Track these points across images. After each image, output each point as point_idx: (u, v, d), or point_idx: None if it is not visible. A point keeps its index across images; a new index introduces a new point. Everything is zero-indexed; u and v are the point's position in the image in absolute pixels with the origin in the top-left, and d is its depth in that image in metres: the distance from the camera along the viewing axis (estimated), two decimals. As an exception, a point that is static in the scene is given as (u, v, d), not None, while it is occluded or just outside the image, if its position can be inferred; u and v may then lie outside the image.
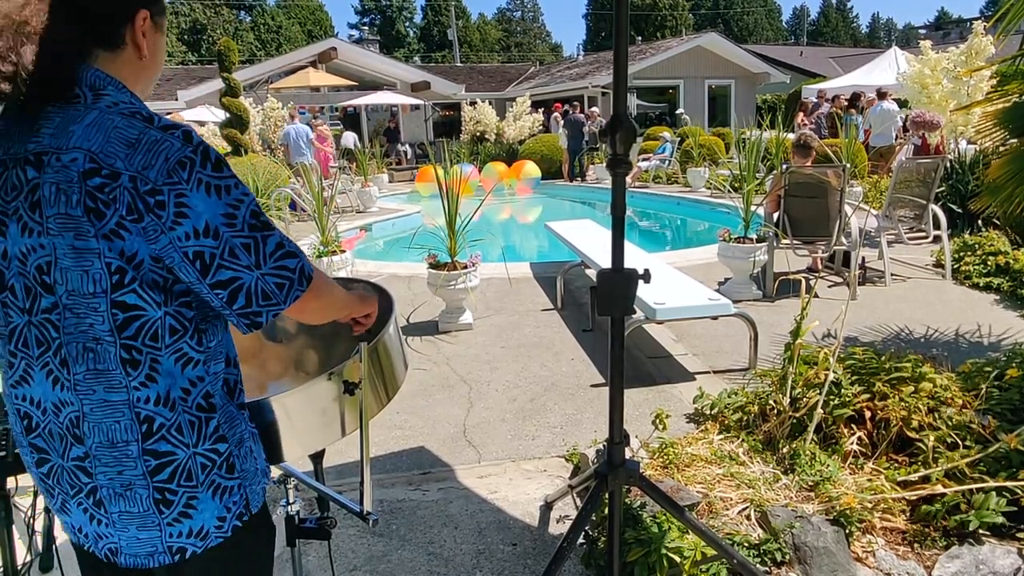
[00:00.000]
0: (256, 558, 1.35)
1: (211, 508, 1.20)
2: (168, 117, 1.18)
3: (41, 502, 2.07)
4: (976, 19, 9.38)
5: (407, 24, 63.88)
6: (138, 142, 1.07)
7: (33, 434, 1.18)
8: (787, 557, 2.37)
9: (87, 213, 1.05)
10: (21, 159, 1.10)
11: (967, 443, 2.74)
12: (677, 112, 20.31)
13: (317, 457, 1.78)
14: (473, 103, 20.53)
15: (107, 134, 1.07)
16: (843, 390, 3.02)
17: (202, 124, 16.46)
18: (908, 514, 2.60)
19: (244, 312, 1.15)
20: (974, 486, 2.51)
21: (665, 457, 2.98)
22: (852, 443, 2.90)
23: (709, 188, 12.96)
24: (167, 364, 1.14)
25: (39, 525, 2.17)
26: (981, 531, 2.42)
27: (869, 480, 2.72)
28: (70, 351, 1.11)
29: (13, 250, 1.12)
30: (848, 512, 2.50)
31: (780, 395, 3.14)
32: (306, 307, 1.22)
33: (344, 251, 5.91)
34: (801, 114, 15.88)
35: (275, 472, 1.66)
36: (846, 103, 15.48)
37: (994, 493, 2.46)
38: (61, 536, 2.28)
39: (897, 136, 12.29)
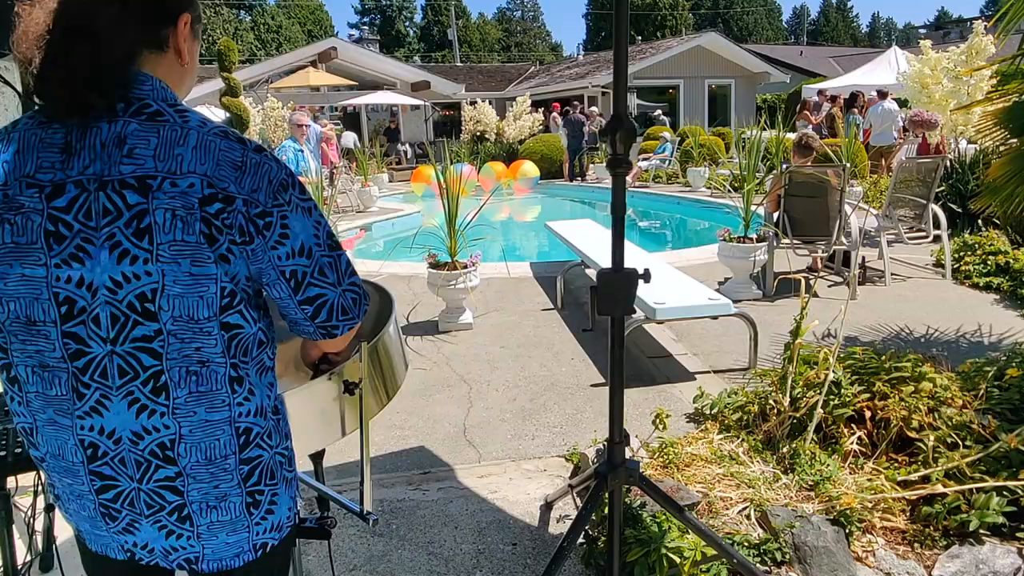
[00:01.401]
0: (295, 542, 1.41)
1: (286, 501, 1.25)
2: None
3: (41, 502, 2.07)
4: (976, 19, 9.38)
5: (407, 24, 63.88)
6: (244, 165, 1.08)
7: (98, 463, 1.12)
8: (787, 557, 2.37)
9: (204, 238, 1.05)
10: (114, 182, 1.04)
11: (967, 443, 2.74)
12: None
13: (317, 457, 1.78)
14: (473, 103, 20.54)
15: (216, 158, 1.06)
16: (843, 390, 3.02)
17: None
18: (908, 514, 2.60)
19: (324, 325, 1.21)
20: (974, 486, 2.51)
21: (665, 457, 2.98)
22: (852, 443, 2.90)
23: (709, 188, 12.97)
24: (253, 376, 1.17)
25: (39, 525, 2.17)
26: (981, 531, 2.42)
27: (869, 480, 2.72)
28: (171, 376, 1.09)
29: (100, 279, 1.05)
30: (848, 512, 2.50)
31: (780, 395, 3.14)
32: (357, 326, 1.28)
33: (344, 251, 5.91)
34: (807, 112, 15.85)
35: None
36: (844, 103, 15.47)
37: (994, 493, 2.46)
38: (61, 536, 2.28)
39: (897, 136, 12.29)
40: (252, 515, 1.19)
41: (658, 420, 2.76)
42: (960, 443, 2.74)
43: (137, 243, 1.04)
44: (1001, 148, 4.38)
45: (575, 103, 20.02)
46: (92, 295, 1.06)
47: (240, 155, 1.08)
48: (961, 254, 6.36)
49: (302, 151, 7.12)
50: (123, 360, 1.08)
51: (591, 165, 16.80)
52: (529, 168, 15.86)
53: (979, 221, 7.16)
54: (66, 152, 1.06)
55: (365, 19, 63.84)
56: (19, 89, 2.03)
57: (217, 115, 15.73)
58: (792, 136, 7.69)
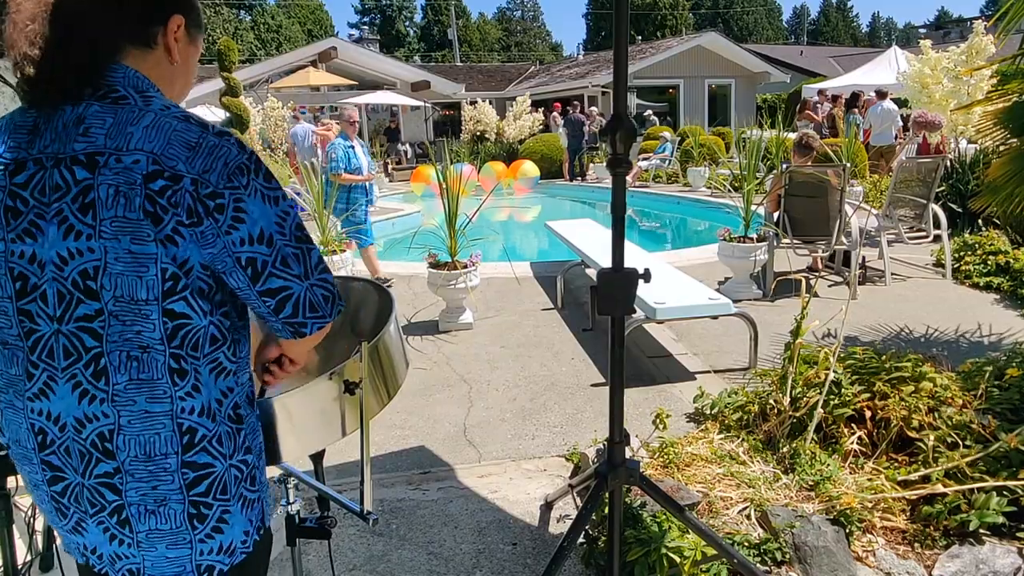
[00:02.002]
0: (264, 572, 1.32)
1: (240, 523, 1.18)
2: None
3: (41, 502, 2.06)
4: (976, 18, 9.38)
5: (407, 24, 63.87)
6: (199, 145, 1.06)
7: (47, 451, 1.11)
8: (787, 557, 2.37)
9: (146, 216, 1.03)
10: (67, 159, 1.06)
11: (967, 442, 2.74)
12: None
13: (317, 457, 1.78)
14: (473, 103, 20.54)
15: (168, 136, 1.06)
16: (843, 390, 3.02)
17: None
18: (908, 513, 2.60)
19: (290, 321, 1.15)
20: (974, 486, 2.51)
21: (665, 456, 2.98)
22: (852, 443, 2.90)
23: (709, 188, 12.97)
24: (204, 374, 1.12)
25: (39, 525, 2.17)
26: (981, 531, 2.42)
27: (869, 479, 2.72)
28: (111, 360, 1.07)
29: (48, 254, 1.06)
30: (848, 512, 2.50)
31: (780, 395, 3.14)
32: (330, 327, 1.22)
33: (344, 251, 5.91)
34: (808, 111, 15.83)
35: (275, 472, 1.66)
36: (846, 102, 15.46)
37: (994, 493, 2.47)
38: (61, 536, 2.28)
39: (897, 136, 12.30)
40: (195, 529, 1.13)
41: (658, 420, 2.76)
42: (960, 443, 2.74)
43: (81, 218, 1.05)
44: (1001, 148, 4.38)
45: (575, 103, 20.02)
46: (41, 271, 1.07)
47: (196, 136, 1.07)
48: (961, 254, 6.36)
49: (353, 147, 6.64)
50: (68, 340, 1.08)
51: (591, 165, 16.79)
52: (529, 168, 15.86)
53: (979, 221, 7.17)
54: (32, 133, 1.10)
55: (365, 19, 63.85)
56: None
57: (217, 115, 15.73)
58: (792, 136, 7.70)
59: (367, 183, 6.80)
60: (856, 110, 14.51)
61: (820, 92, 17.55)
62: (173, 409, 1.10)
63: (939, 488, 2.55)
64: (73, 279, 1.06)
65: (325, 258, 5.72)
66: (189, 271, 1.07)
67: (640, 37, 41.72)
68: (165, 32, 1.16)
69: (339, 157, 6.50)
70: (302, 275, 1.13)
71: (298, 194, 8.31)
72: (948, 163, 7.75)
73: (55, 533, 2.25)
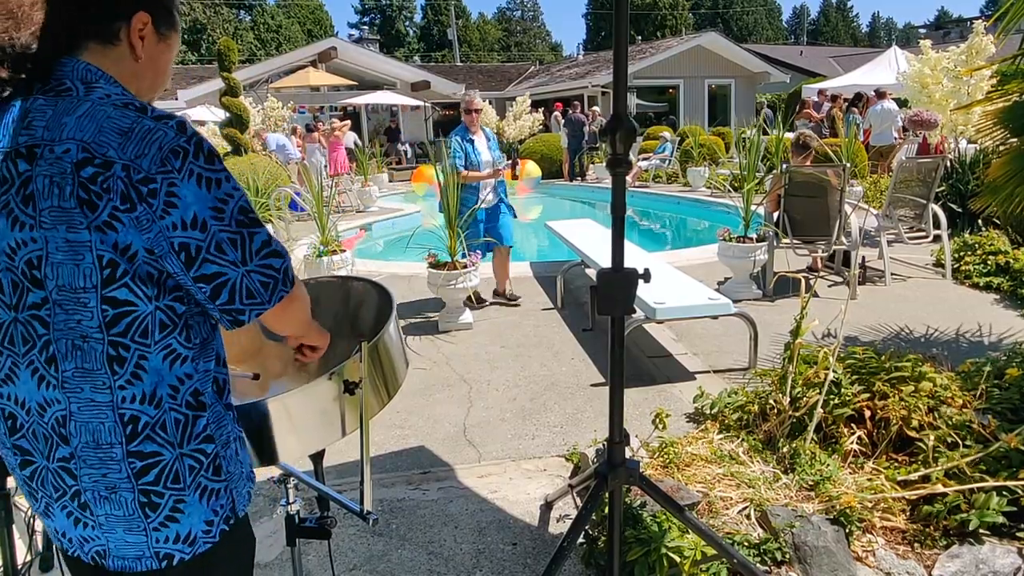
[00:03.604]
0: (241, 565, 1.31)
1: (200, 512, 1.17)
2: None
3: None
4: (976, 18, 9.38)
5: (407, 24, 63.87)
6: (131, 131, 1.06)
7: (17, 435, 1.15)
8: (787, 556, 2.37)
9: (80, 205, 1.04)
10: (11, 152, 1.09)
11: (967, 442, 2.74)
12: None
13: (317, 457, 1.78)
14: (473, 102, 20.50)
15: (99, 124, 1.06)
16: (843, 389, 3.02)
17: (202, 124, 16.46)
18: (908, 513, 2.60)
19: (227, 308, 1.14)
20: (974, 485, 2.51)
21: (665, 456, 2.98)
22: (852, 442, 2.90)
23: (709, 188, 12.97)
24: (155, 361, 1.12)
25: (39, 525, 2.17)
26: (981, 530, 2.42)
27: (869, 479, 2.72)
28: (59, 348, 1.09)
29: (1, 245, 1.10)
30: (848, 511, 2.50)
31: (780, 394, 3.14)
32: (287, 310, 1.21)
33: (344, 251, 5.91)
34: (808, 111, 15.83)
35: (275, 472, 1.66)
36: (846, 103, 15.46)
37: (994, 493, 2.46)
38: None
39: (897, 136, 12.30)
40: (148, 517, 1.13)
41: (658, 420, 2.76)
42: (960, 443, 2.74)
43: (24, 209, 1.08)
44: (1001, 148, 4.38)
45: (575, 103, 20.01)
46: None
47: (130, 122, 1.07)
48: (961, 254, 6.36)
49: (472, 142, 5.71)
50: (24, 328, 1.11)
51: (591, 165, 16.79)
52: (532, 168, 15.87)
53: (979, 221, 7.17)
54: None
55: (365, 19, 63.84)
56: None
57: (217, 115, 15.73)
58: (791, 136, 7.70)
59: (481, 182, 5.76)
60: (855, 110, 14.51)
61: (820, 92, 17.55)
62: (114, 399, 1.11)
63: (939, 488, 2.55)
64: (22, 268, 1.09)
65: (324, 258, 5.75)
66: (132, 257, 1.07)
67: (640, 37, 41.73)
68: (129, 29, 1.17)
69: (454, 151, 5.58)
70: (238, 260, 1.11)
71: (298, 194, 8.34)
72: (948, 163, 7.75)
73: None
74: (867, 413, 2.96)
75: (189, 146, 1.08)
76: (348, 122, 16.69)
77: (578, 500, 2.84)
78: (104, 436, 1.11)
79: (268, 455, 1.39)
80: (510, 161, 6.50)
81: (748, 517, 2.58)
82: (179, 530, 1.16)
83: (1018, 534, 2.42)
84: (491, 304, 6.07)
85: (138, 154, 1.05)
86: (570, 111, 17.61)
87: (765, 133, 6.79)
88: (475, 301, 5.94)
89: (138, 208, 1.05)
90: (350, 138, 18.07)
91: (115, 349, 1.09)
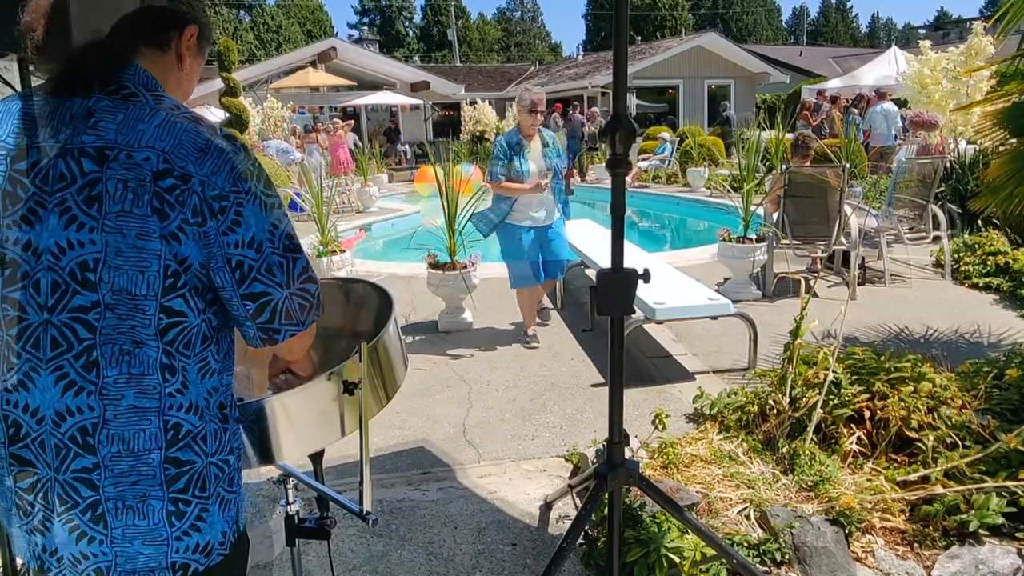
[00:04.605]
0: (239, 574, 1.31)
1: (218, 523, 1.18)
2: None
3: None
4: (976, 19, 9.39)
5: (407, 24, 63.86)
6: (208, 148, 1.09)
7: (19, 444, 1.11)
8: (787, 557, 2.37)
9: (154, 213, 1.05)
10: (74, 150, 1.07)
11: (967, 443, 2.74)
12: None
13: (317, 457, 1.77)
14: (473, 103, 20.56)
15: (178, 137, 1.08)
16: (843, 390, 3.02)
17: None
18: (908, 514, 2.60)
19: (265, 327, 1.17)
20: (974, 486, 2.51)
21: (665, 457, 2.98)
22: (852, 443, 2.90)
23: (709, 188, 12.98)
24: (192, 372, 1.13)
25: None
26: (981, 531, 2.42)
27: (869, 480, 2.72)
28: (103, 353, 1.07)
29: (47, 243, 1.07)
30: (848, 512, 2.50)
31: (780, 395, 3.14)
32: (305, 337, 1.25)
33: (344, 251, 5.91)
34: (806, 113, 15.86)
35: (275, 472, 1.66)
36: (847, 103, 15.47)
37: (994, 493, 2.47)
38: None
39: (897, 136, 12.31)
40: (173, 526, 1.12)
41: (658, 420, 2.76)
42: (960, 443, 2.74)
43: (86, 210, 1.06)
44: (1000, 148, 4.39)
45: (575, 103, 20.02)
46: (36, 259, 1.08)
47: (205, 140, 1.09)
48: (961, 254, 6.37)
49: (522, 148, 4.83)
50: (58, 331, 1.08)
51: (591, 165, 16.79)
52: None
53: (979, 221, 7.17)
54: (37, 121, 1.11)
55: (365, 19, 63.83)
56: (18, 89, 2.03)
57: (216, 115, 15.73)
58: (791, 136, 7.70)
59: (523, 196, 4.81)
60: (855, 111, 14.52)
61: (819, 93, 17.57)
62: (161, 406, 1.10)
63: (938, 489, 2.55)
64: (71, 269, 1.07)
65: (324, 259, 5.76)
66: (188, 268, 1.09)
67: (640, 38, 41.76)
68: (180, 39, 1.21)
69: (494, 156, 4.90)
70: (284, 283, 1.15)
71: (297, 194, 8.33)
72: (947, 164, 7.75)
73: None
74: (867, 413, 2.96)
75: (254, 170, 1.13)
76: (351, 122, 16.68)
77: (578, 500, 2.84)
78: (143, 443, 1.10)
79: (267, 455, 1.39)
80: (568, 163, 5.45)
81: (748, 518, 2.58)
82: (199, 540, 1.16)
83: (1017, 535, 2.42)
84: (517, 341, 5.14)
85: (214, 171, 1.08)
86: (571, 111, 17.61)
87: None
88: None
89: (208, 223, 1.08)
90: (350, 139, 18.10)
91: (168, 358, 1.10)
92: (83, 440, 1.08)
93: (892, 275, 6.35)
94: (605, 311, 1.99)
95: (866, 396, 3.00)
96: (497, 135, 19.52)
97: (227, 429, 1.20)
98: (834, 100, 16.25)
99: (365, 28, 60.91)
